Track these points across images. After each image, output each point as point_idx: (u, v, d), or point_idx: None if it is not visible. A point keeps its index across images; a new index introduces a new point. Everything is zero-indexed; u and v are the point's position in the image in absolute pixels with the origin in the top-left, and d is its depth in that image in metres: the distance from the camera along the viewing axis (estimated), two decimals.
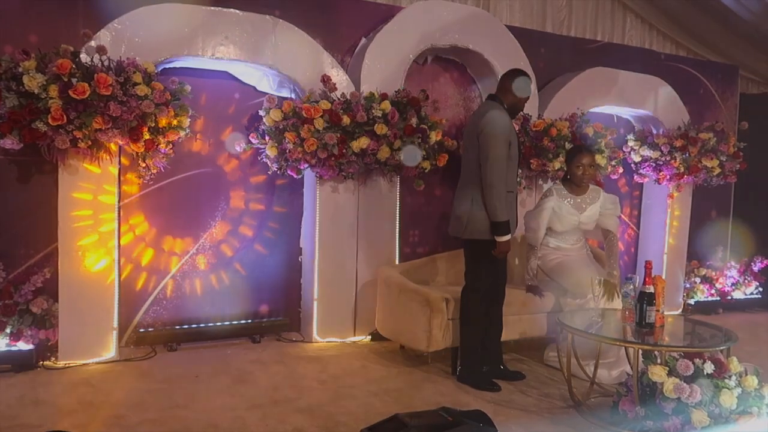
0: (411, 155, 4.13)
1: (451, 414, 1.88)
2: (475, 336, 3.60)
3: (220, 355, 3.99)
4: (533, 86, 3.58)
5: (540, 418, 3.12)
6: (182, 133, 3.80)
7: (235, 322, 4.33)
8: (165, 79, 3.70)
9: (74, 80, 3.38)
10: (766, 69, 6.57)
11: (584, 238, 4.18)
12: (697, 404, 2.69)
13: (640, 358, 2.94)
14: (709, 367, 2.76)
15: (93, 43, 3.60)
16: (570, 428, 3.00)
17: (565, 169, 4.09)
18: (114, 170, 3.73)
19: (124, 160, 3.89)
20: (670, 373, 2.78)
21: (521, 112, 3.93)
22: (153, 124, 3.62)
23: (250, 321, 4.37)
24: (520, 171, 3.79)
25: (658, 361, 2.90)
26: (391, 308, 3.97)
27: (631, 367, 3.04)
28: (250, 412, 3.04)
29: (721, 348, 2.94)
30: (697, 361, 2.79)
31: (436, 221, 4.93)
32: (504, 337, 3.79)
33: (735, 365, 2.82)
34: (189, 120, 3.80)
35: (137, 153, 3.68)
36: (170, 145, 3.77)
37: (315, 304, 4.31)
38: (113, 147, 3.67)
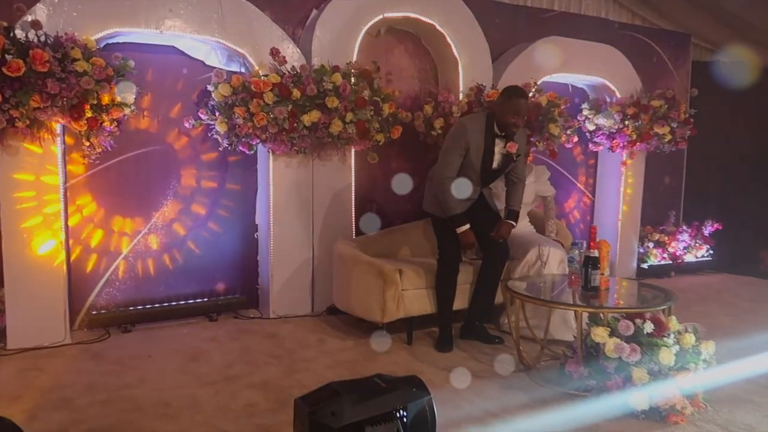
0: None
1: (385, 380, 1.90)
2: (438, 302, 3.79)
3: (175, 334, 3.96)
4: (517, 103, 3.48)
5: (491, 382, 3.19)
6: (127, 111, 3.70)
7: (191, 301, 4.29)
8: (108, 54, 3.59)
9: (8, 57, 3.26)
10: (718, 36, 6.66)
11: (527, 217, 4.31)
12: (637, 363, 2.78)
13: (586, 321, 3.01)
14: (648, 327, 2.84)
15: (28, 18, 3.47)
16: (519, 391, 3.08)
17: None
18: (56, 150, 3.63)
19: (68, 140, 3.79)
20: (612, 334, 2.86)
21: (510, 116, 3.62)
22: (95, 102, 3.51)
23: (206, 299, 4.34)
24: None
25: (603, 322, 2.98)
26: (347, 282, 3.98)
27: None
28: (203, 389, 3.04)
29: (661, 308, 3.03)
30: (638, 321, 2.87)
31: (392, 194, 4.93)
32: (460, 305, 3.88)
33: (674, 324, 2.91)
34: (134, 97, 3.70)
35: (80, 132, 3.58)
36: (115, 123, 3.67)
37: (271, 280, 4.30)
38: (54, 126, 3.57)
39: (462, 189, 3.59)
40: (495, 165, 3.64)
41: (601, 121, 5.45)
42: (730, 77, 6.06)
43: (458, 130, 3.62)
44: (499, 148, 3.61)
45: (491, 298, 3.89)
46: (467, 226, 3.59)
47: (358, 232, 4.61)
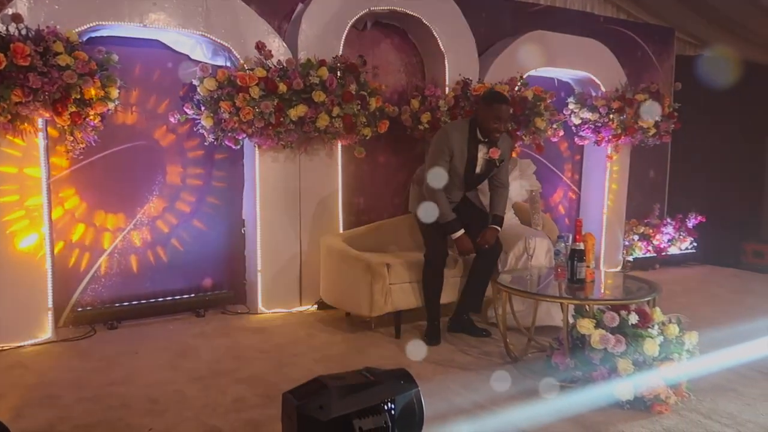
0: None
1: (373, 373, 1.91)
2: (426, 296, 3.79)
3: (162, 330, 3.94)
4: (498, 108, 3.53)
5: (478, 375, 3.21)
6: (111, 105, 3.66)
7: (177, 297, 4.27)
8: (91, 48, 3.55)
9: None
10: (702, 31, 6.73)
11: (512, 209, 4.35)
12: (622, 353, 2.81)
13: (572, 312, 3.04)
14: (633, 318, 2.88)
15: (8, 11, 3.42)
16: (506, 383, 3.09)
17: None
18: (39, 144, 3.59)
19: (51, 132, 3.73)
20: (597, 326, 2.89)
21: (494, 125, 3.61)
22: (78, 96, 3.47)
23: (193, 295, 4.32)
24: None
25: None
26: (334, 276, 3.99)
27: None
28: (190, 385, 3.03)
29: (646, 299, 3.06)
30: (623, 312, 2.90)
31: (380, 188, 4.94)
32: (449, 299, 3.90)
33: (658, 315, 2.95)
34: (118, 91, 3.66)
35: (64, 126, 3.54)
36: (99, 118, 3.64)
37: (259, 275, 4.29)
38: (36, 120, 3.53)
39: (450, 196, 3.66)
40: (478, 170, 3.70)
41: (586, 115, 5.48)
42: (713, 71, 6.13)
43: (441, 137, 3.66)
44: (482, 153, 3.66)
45: (482, 292, 3.91)
46: (462, 232, 3.63)
47: (346, 227, 4.60)
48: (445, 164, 3.61)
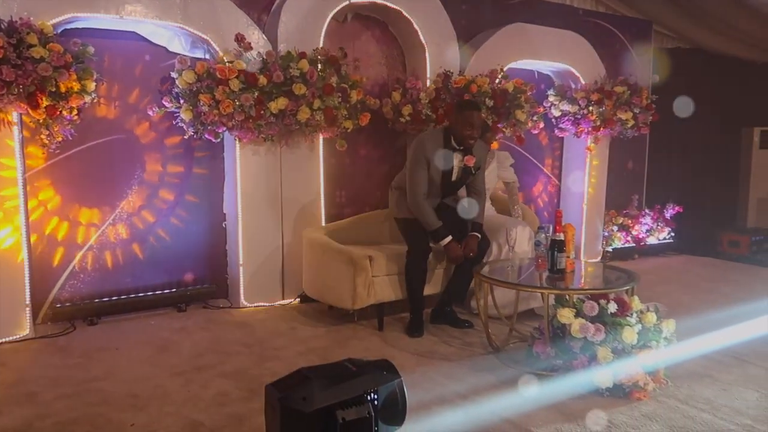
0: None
1: (356, 364, 1.92)
2: (409, 289, 3.81)
3: (143, 326, 3.91)
4: (470, 115, 3.59)
5: (460, 365, 3.24)
6: (88, 98, 3.60)
7: (159, 292, 4.23)
8: (66, 40, 3.48)
9: None
10: (679, 24, 6.80)
11: (489, 200, 4.40)
12: (601, 342, 2.85)
13: (552, 302, 3.08)
14: (612, 307, 2.92)
15: None
16: (488, 372, 3.13)
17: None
18: (14, 137, 3.52)
19: (28, 122, 3.65)
20: (577, 315, 2.93)
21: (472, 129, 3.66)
22: (54, 89, 3.41)
23: (174, 290, 4.28)
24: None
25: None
26: (317, 269, 3.98)
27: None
28: (172, 380, 3.01)
29: (624, 289, 3.11)
30: (602, 301, 2.94)
31: (361, 181, 4.93)
32: (433, 290, 3.93)
33: (636, 304, 3.00)
34: (95, 84, 3.60)
35: (39, 120, 3.48)
36: (75, 112, 3.58)
37: (241, 269, 4.27)
38: (11, 113, 3.46)
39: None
40: (454, 177, 3.75)
41: (566, 107, 5.53)
42: (689, 64, 6.20)
43: (417, 147, 3.70)
44: (457, 161, 3.70)
45: (467, 285, 3.93)
46: (450, 238, 3.66)
47: (328, 220, 4.60)
48: (425, 171, 3.66)
